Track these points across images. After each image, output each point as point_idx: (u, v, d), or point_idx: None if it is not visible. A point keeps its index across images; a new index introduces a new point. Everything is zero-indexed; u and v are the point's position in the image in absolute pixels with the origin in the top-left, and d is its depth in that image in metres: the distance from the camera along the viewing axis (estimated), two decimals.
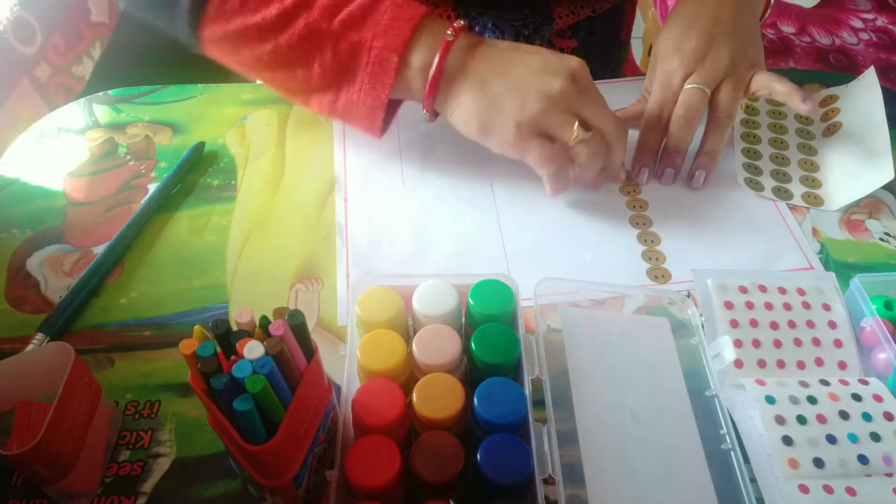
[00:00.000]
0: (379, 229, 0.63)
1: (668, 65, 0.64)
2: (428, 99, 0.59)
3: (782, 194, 0.66)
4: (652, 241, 0.62)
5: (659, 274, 0.60)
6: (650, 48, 0.71)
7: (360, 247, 0.62)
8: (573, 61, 0.58)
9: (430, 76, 0.57)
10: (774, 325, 0.54)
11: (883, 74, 0.71)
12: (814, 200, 0.66)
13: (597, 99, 0.59)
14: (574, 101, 0.57)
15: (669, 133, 0.64)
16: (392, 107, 0.61)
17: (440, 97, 0.59)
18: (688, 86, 0.63)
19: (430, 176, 0.67)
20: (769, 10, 0.71)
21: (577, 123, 0.57)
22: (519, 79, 0.57)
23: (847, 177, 0.66)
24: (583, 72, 0.58)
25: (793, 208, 0.65)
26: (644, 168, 0.66)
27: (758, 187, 0.66)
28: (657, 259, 0.61)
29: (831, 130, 0.71)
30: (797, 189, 0.67)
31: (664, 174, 0.66)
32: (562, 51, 0.77)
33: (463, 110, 0.58)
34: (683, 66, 0.63)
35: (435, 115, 0.61)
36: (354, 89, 0.59)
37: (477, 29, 0.74)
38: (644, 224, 0.64)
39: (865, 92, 0.69)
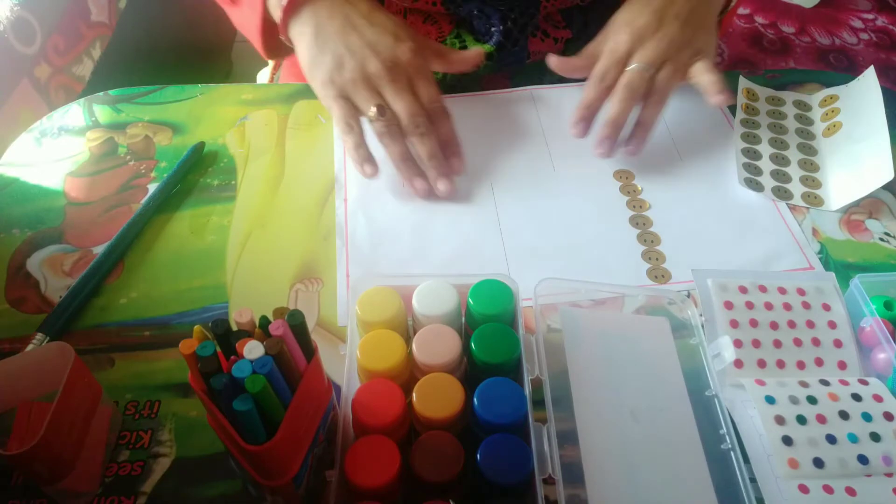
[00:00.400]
0: (379, 229, 0.63)
1: (619, 37, 0.67)
2: (281, 31, 0.66)
3: (782, 194, 0.66)
4: (652, 242, 0.62)
5: (659, 274, 0.60)
6: None
7: (359, 246, 0.62)
8: (403, 49, 0.63)
9: (283, 8, 0.64)
10: (774, 325, 0.54)
11: (883, 74, 0.71)
12: (814, 200, 0.66)
13: (404, 90, 0.63)
14: (382, 84, 0.62)
15: (610, 107, 0.66)
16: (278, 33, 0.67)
17: (291, 32, 0.66)
18: (632, 65, 0.65)
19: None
20: (732, 4, 0.73)
21: (374, 106, 0.62)
22: (347, 45, 0.63)
23: (847, 177, 0.66)
24: (408, 62, 0.63)
25: (793, 208, 0.65)
26: (582, 122, 0.68)
27: (758, 187, 0.66)
28: (657, 259, 0.61)
29: (831, 130, 0.71)
30: (797, 189, 0.67)
31: (600, 142, 0.67)
32: (555, 41, 0.78)
33: (300, 51, 0.65)
34: (631, 40, 0.66)
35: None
36: (242, 11, 0.70)
37: (462, 13, 0.74)
38: (644, 224, 0.64)
39: (865, 92, 0.69)
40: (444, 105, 0.65)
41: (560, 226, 0.63)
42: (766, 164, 0.69)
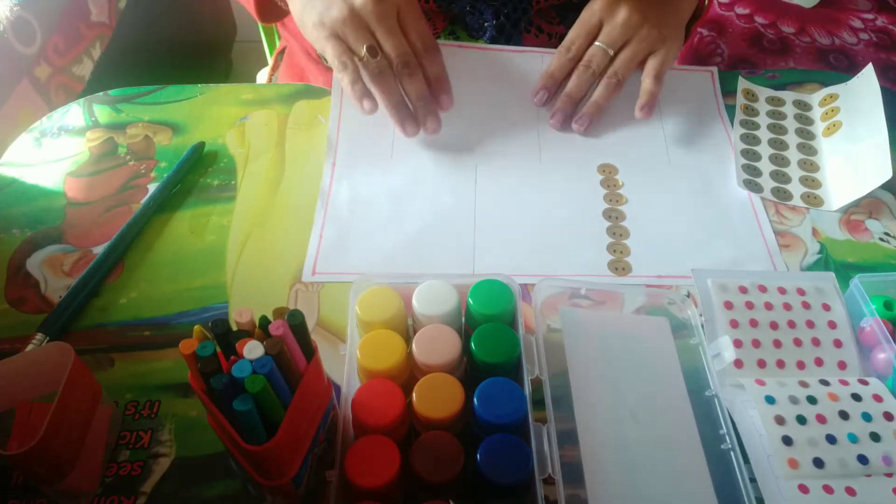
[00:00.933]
0: (360, 196, 0.65)
1: (591, 9, 0.69)
2: None
3: (781, 195, 0.66)
4: (620, 235, 0.63)
5: (620, 266, 0.60)
6: None
7: (338, 208, 0.64)
8: None
9: None
10: (774, 325, 0.54)
11: (883, 74, 0.71)
12: (813, 201, 0.66)
13: (393, 28, 0.63)
14: (371, 21, 0.62)
15: (570, 80, 0.69)
16: None
17: None
18: (596, 43, 0.69)
19: (418, 153, 0.68)
20: (703, 12, 0.75)
21: (365, 46, 0.62)
22: None
23: (847, 176, 0.66)
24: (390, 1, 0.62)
25: (791, 209, 0.65)
26: (543, 91, 0.70)
27: (757, 188, 0.66)
28: (621, 252, 0.61)
29: (831, 130, 0.70)
30: (797, 189, 0.67)
31: (553, 113, 0.70)
32: (549, 36, 0.79)
33: (292, 3, 0.66)
34: (603, 8, 0.69)
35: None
36: None
37: (455, 9, 0.75)
38: (617, 218, 0.64)
39: (865, 90, 0.69)
40: (433, 41, 0.65)
41: (534, 209, 0.64)
42: (765, 165, 0.69)
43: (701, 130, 0.72)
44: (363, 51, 0.62)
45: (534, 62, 0.74)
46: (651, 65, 0.69)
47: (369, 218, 0.63)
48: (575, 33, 0.69)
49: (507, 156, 0.68)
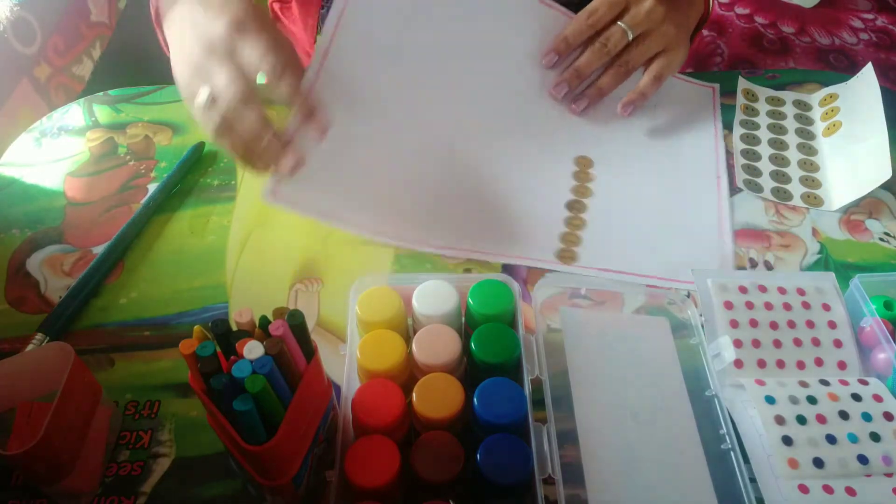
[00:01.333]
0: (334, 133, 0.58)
1: None
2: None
3: (781, 195, 0.66)
4: (575, 226, 0.63)
5: (567, 256, 0.61)
6: None
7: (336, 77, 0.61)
8: (216, 26, 0.53)
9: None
10: (774, 325, 0.54)
11: (883, 74, 0.71)
12: (813, 201, 0.66)
13: (229, 69, 0.53)
14: (212, 66, 0.53)
15: (583, 55, 0.68)
16: None
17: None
18: (618, 23, 0.66)
19: (400, 101, 0.66)
20: (704, 23, 0.74)
21: (207, 91, 0.53)
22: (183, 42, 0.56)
23: (847, 176, 0.66)
24: (222, 40, 0.53)
25: (791, 209, 0.65)
26: (553, 53, 0.68)
27: (756, 188, 0.66)
28: (571, 241, 0.62)
29: (831, 130, 0.70)
30: (797, 190, 0.67)
31: (557, 84, 0.69)
32: None
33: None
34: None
35: None
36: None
37: None
38: (577, 209, 0.64)
39: (864, 89, 0.69)
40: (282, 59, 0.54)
41: (496, 182, 0.64)
42: (765, 165, 0.69)
43: (690, 142, 0.70)
44: (199, 99, 0.53)
45: (546, 19, 0.70)
46: (658, 64, 0.68)
47: (343, 158, 0.61)
48: (599, 2, 0.67)
49: (491, 123, 0.67)
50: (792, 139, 0.71)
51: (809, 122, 0.73)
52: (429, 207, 0.62)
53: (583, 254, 0.61)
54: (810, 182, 0.67)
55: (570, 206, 0.64)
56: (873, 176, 0.63)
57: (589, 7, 0.68)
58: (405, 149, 0.65)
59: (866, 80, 0.70)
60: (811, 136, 0.72)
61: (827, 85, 0.75)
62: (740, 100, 0.74)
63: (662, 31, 0.67)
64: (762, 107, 0.74)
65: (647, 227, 0.64)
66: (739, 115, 0.73)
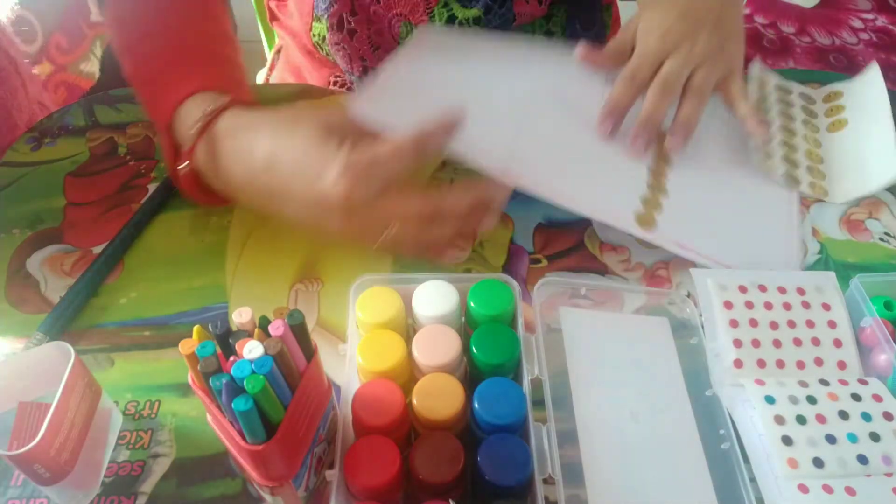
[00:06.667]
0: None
1: (649, 40, 0.64)
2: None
3: (791, 181, 0.65)
4: (658, 190, 0.62)
5: (647, 220, 0.60)
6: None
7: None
8: (334, 192, 0.49)
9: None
10: (774, 325, 0.54)
11: (883, 74, 0.71)
12: (819, 190, 0.65)
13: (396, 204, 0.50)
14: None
15: (645, 104, 0.64)
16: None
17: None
18: (666, 66, 0.63)
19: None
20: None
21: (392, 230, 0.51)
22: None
23: (852, 173, 0.66)
24: (347, 198, 0.49)
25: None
26: (608, 119, 0.65)
27: (769, 169, 0.66)
28: (652, 206, 0.61)
29: (836, 127, 0.70)
30: (804, 177, 0.66)
31: (634, 140, 0.64)
32: (539, 2, 0.76)
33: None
34: (663, 45, 0.63)
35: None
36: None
37: None
38: (660, 175, 0.63)
39: (869, 88, 0.69)
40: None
41: (583, 137, 0.64)
42: (776, 149, 0.68)
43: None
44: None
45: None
46: (735, 91, 0.65)
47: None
48: (637, 63, 0.64)
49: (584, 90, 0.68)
50: (799, 128, 0.71)
51: (814, 115, 0.73)
52: (525, 143, 0.62)
53: (661, 221, 0.60)
54: (815, 172, 0.67)
55: (652, 169, 0.64)
56: (879, 175, 0.63)
57: (627, 72, 0.64)
58: (518, 88, 0.67)
59: (872, 80, 0.69)
60: (816, 129, 0.71)
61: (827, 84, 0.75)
62: (752, 84, 0.73)
63: (711, 54, 0.64)
64: (772, 94, 0.74)
65: (726, 210, 0.63)
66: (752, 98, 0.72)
